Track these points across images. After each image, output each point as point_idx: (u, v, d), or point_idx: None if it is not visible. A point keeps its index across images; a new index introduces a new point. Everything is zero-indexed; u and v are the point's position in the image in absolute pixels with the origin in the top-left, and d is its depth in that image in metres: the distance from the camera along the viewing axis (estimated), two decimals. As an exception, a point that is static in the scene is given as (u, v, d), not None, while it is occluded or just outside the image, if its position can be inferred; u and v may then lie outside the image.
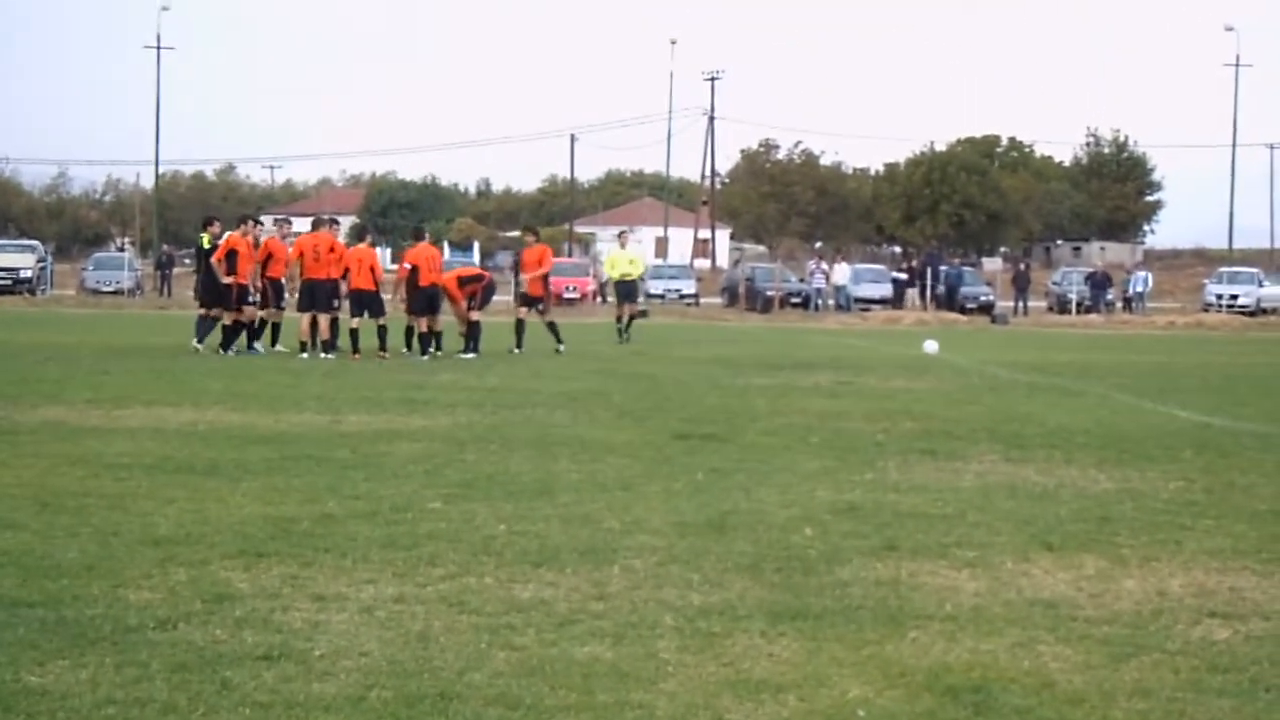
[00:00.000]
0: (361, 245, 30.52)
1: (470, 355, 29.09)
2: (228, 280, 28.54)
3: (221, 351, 28.33)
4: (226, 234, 30.05)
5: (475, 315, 30.16)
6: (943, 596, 8.84)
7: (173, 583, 8.71)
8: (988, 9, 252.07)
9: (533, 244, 33.37)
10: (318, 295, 28.74)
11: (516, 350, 30.72)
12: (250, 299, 28.90)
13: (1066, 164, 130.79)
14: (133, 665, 7.02)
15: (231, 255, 28.75)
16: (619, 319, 38.03)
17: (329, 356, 28.15)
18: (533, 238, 33.92)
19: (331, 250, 29.06)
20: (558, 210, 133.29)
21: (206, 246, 30.11)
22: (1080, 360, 33.06)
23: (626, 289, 38.16)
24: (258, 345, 29.09)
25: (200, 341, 28.63)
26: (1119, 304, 70.36)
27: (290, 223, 33.84)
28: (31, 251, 71.94)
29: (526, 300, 32.83)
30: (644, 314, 58.90)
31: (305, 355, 28.12)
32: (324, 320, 28.97)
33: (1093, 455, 15.36)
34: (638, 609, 8.36)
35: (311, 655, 7.27)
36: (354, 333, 28.68)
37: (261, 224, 32.11)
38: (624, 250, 38.22)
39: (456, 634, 7.74)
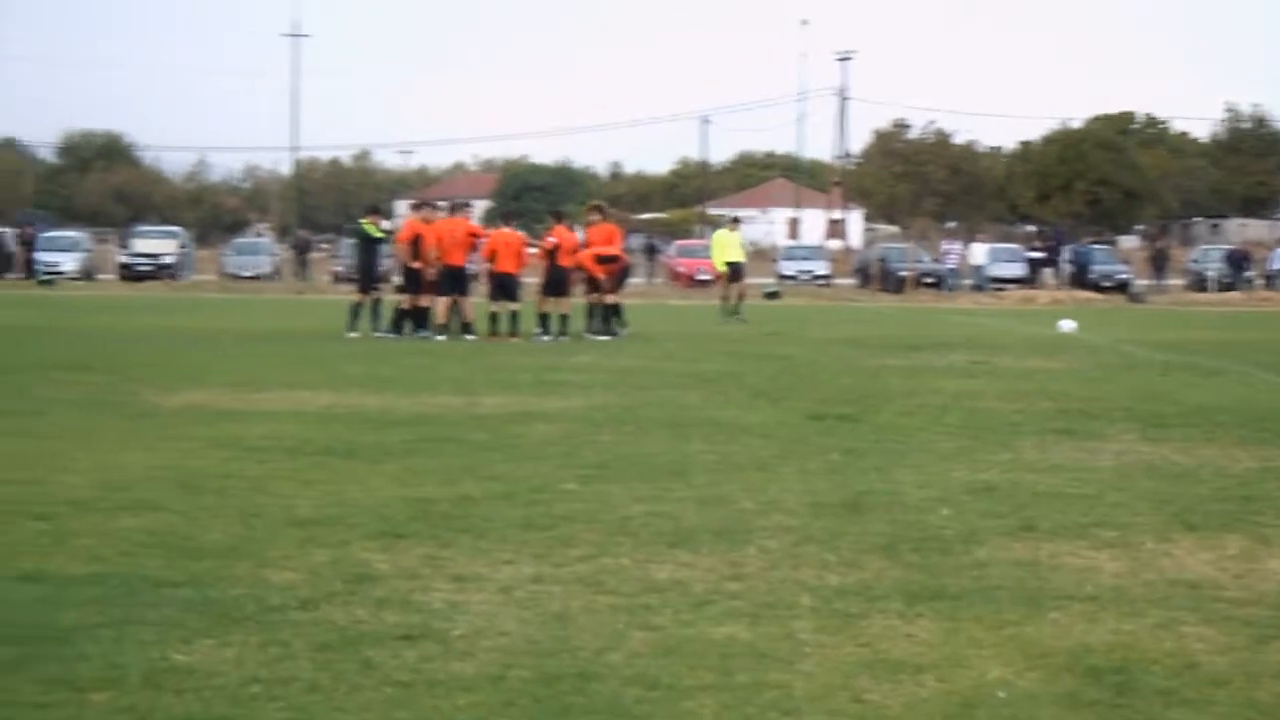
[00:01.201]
0: (505, 229, 30.57)
1: (605, 337, 29.17)
2: (415, 265, 28.84)
3: (391, 334, 28.62)
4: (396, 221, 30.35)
5: (611, 298, 30.25)
6: (1082, 577, 8.77)
7: (314, 563, 8.82)
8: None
9: (598, 222, 31.83)
10: (457, 279, 28.96)
11: (614, 333, 30.17)
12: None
13: (1204, 140, 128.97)
14: (276, 644, 7.12)
15: (414, 241, 29.05)
16: (726, 299, 38.88)
17: (468, 339, 28.37)
18: (598, 215, 32.29)
19: (471, 235, 29.31)
20: (690, 192, 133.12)
21: (373, 234, 30.36)
22: (1219, 338, 32.61)
23: (735, 270, 38.94)
24: (427, 330, 29.12)
25: (376, 331, 29.02)
26: (1259, 281, 69.28)
27: (436, 208, 33.97)
28: (173, 238, 72.85)
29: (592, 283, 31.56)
30: (776, 295, 58.97)
31: (442, 338, 28.36)
32: (465, 303, 29.17)
33: (1233, 434, 15.17)
34: (774, 589, 8.36)
35: (451, 635, 7.34)
36: (494, 316, 28.89)
37: (438, 209, 32.10)
38: (732, 234, 39.57)
39: (594, 614, 7.79)
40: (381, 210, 32.26)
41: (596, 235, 31.45)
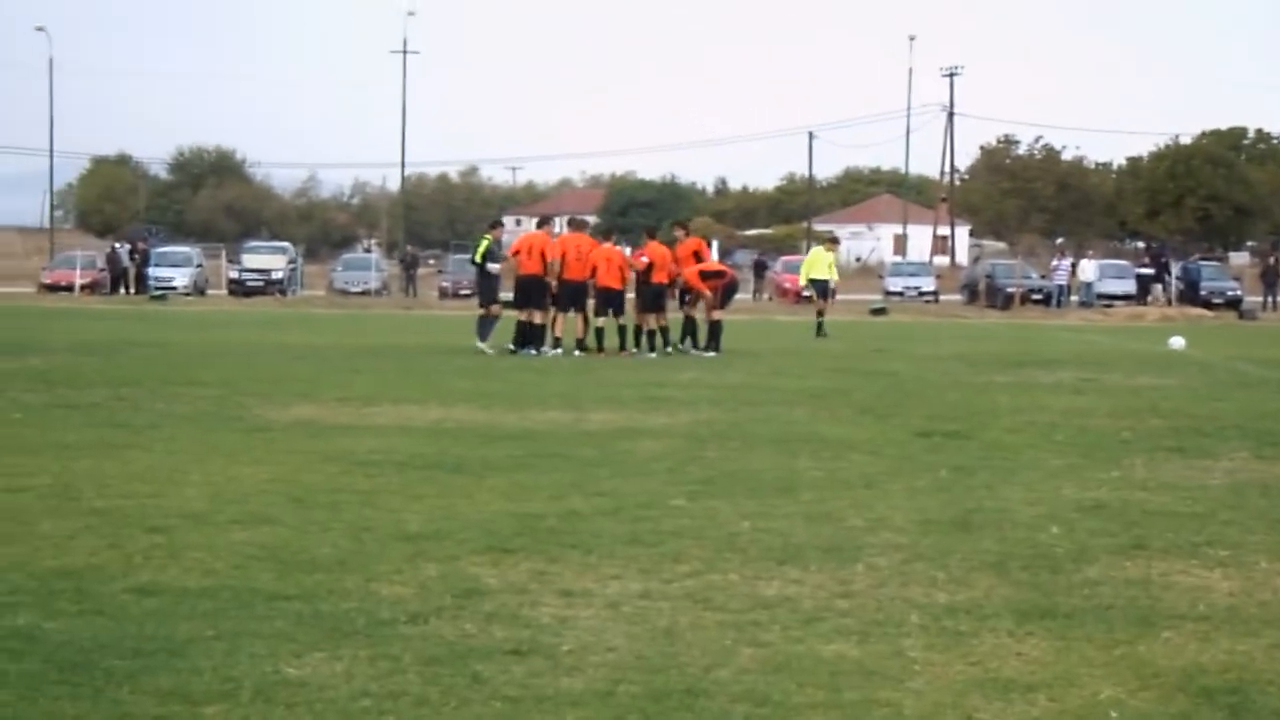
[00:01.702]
0: (607, 245, 30.56)
1: (711, 354, 29.18)
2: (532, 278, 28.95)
3: (526, 351, 28.72)
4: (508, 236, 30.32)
5: (717, 314, 30.25)
6: (1195, 596, 8.68)
7: (423, 578, 8.87)
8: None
9: (683, 239, 31.51)
10: (575, 294, 28.99)
11: (709, 352, 29.94)
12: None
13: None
14: (386, 658, 7.17)
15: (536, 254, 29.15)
16: (820, 313, 39.35)
17: (578, 354, 28.45)
18: (682, 232, 32.12)
19: (590, 250, 29.32)
20: (795, 208, 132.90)
21: (489, 248, 30.37)
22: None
23: (822, 288, 39.58)
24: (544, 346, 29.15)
25: (484, 340, 29.11)
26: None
27: (553, 223, 33.98)
28: (283, 253, 73.63)
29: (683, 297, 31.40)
30: (882, 311, 58.78)
31: (556, 352, 28.47)
32: (579, 319, 29.24)
33: (1349, 453, 14.98)
34: (883, 607, 8.33)
35: (559, 650, 7.36)
36: (600, 331, 28.97)
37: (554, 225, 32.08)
38: (827, 253, 40.08)
39: (702, 630, 7.78)
40: (503, 224, 32.15)
41: (683, 252, 31.27)
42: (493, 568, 9.17)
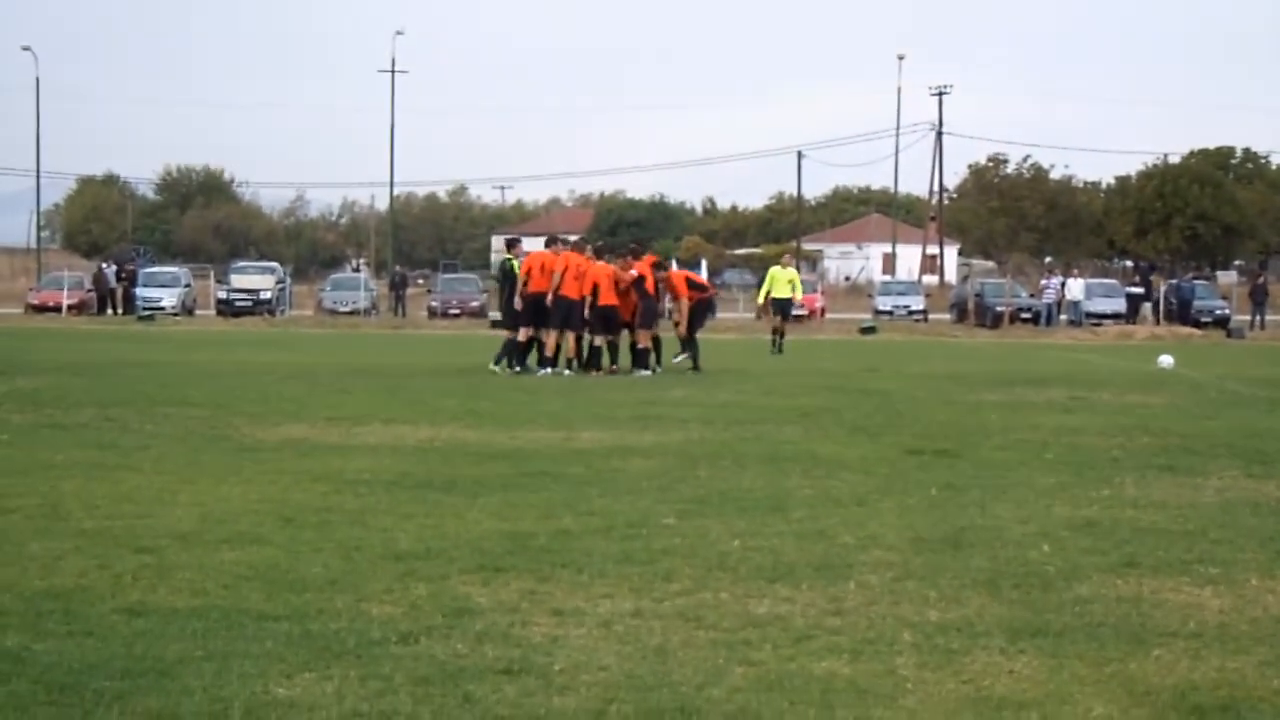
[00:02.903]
0: (600, 263, 30.48)
1: (647, 373, 28.91)
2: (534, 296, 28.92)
3: (556, 370, 28.70)
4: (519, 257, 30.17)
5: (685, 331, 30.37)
6: (1186, 614, 8.68)
7: (414, 597, 8.84)
8: (1219, 18, 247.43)
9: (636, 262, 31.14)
10: (569, 312, 28.85)
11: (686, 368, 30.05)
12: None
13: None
14: (377, 678, 7.14)
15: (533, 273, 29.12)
16: (775, 331, 40.22)
17: (568, 373, 28.44)
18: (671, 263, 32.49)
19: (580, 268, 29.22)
20: (784, 227, 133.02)
21: (516, 270, 30.21)
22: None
23: (781, 305, 40.26)
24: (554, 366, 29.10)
25: (497, 363, 29.06)
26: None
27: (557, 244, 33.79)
28: (271, 273, 73.64)
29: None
30: (872, 330, 58.83)
31: (549, 371, 28.43)
32: (571, 338, 29.20)
33: (1339, 471, 14.99)
34: (875, 625, 8.32)
35: (551, 669, 7.34)
36: (595, 349, 28.94)
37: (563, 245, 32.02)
38: (784, 270, 40.74)
39: (694, 649, 7.77)
40: (520, 244, 31.94)
41: (677, 279, 31.55)
42: (483, 587, 9.15)
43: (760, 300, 41.65)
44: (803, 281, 60.52)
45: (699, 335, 30.97)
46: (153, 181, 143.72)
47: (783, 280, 40.12)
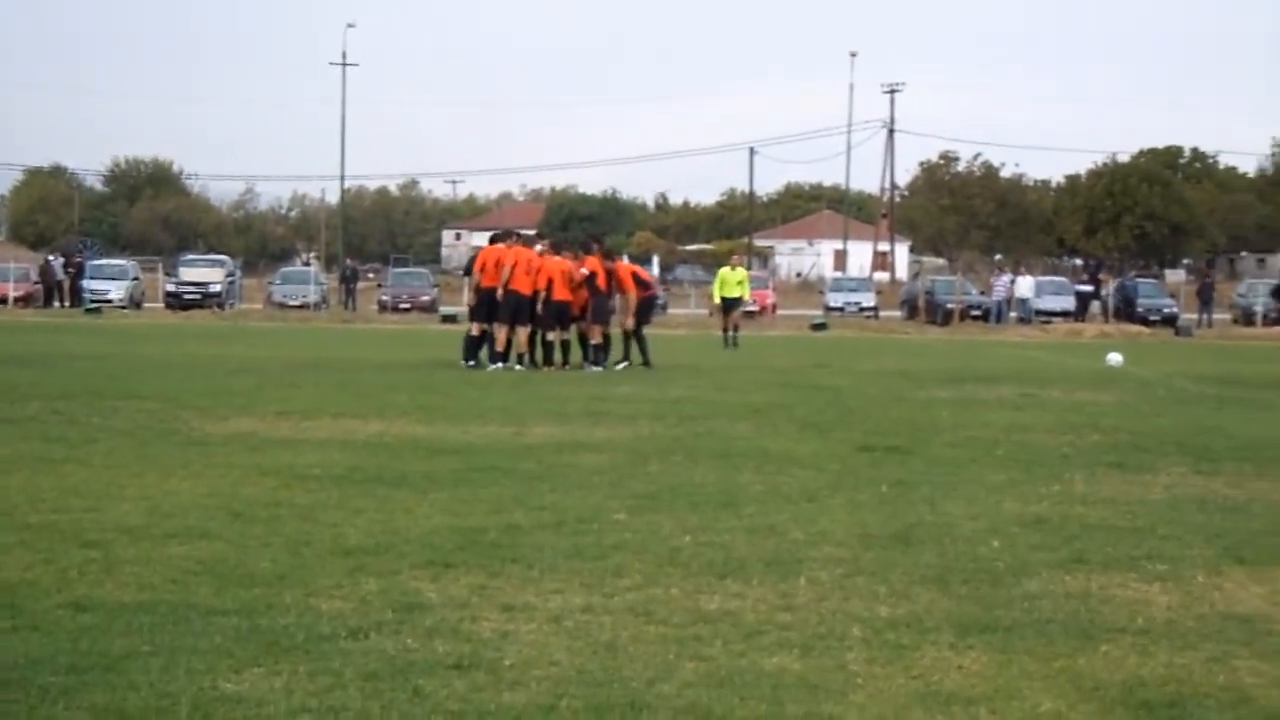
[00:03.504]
0: (554, 258, 30.39)
1: (598, 368, 28.90)
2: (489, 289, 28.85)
3: (508, 365, 28.59)
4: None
5: (633, 325, 30.32)
6: (1134, 610, 8.71)
7: (363, 592, 8.81)
8: (1169, 18, 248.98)
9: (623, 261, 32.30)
10: (519, 307, 28.73)
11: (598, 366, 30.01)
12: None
13: (1251, 175, 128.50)
14: (326, 673, 7.11)
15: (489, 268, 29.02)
16: (725, 329, 41.69)
17: (519, 368, 28.36)
18: (622, 257, 32.97)
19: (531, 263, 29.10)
20: (736, 224, 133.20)
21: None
22: (1268, 373, 32.38)
23: (730, 304, 41.80)
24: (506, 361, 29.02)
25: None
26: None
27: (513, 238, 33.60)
28: (220, 266, 73.30)
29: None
30: (823, 326, 58.96)
31: (500, 366, 28.34)
32: (523, 333, 29.10)
33: (1286, 468, 15.07)
34: (825, 620, 8.32)
35: (501, 664, 7.32)
36: (548, 345, 28.87)
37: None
38: (734, 271, 42.21)
39: (645, 644, 7.76)
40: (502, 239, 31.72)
41: (625, 273, 31.52)
42: (433, 582, 9.12)
43: (716, 301, 42.71)
44: (755, 278, 60.91)
45: (647, 330, 30.90)
46: (100, 173, 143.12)
47: (732, 281, 41.45)
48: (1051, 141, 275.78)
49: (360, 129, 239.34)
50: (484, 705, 6.68)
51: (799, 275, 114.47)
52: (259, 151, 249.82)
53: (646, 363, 29.84)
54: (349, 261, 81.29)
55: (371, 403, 20.76)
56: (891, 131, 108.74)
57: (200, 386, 23.11)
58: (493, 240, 30.54)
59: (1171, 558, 10.27)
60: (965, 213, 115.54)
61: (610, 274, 30.04)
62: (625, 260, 34.82)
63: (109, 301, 65.75)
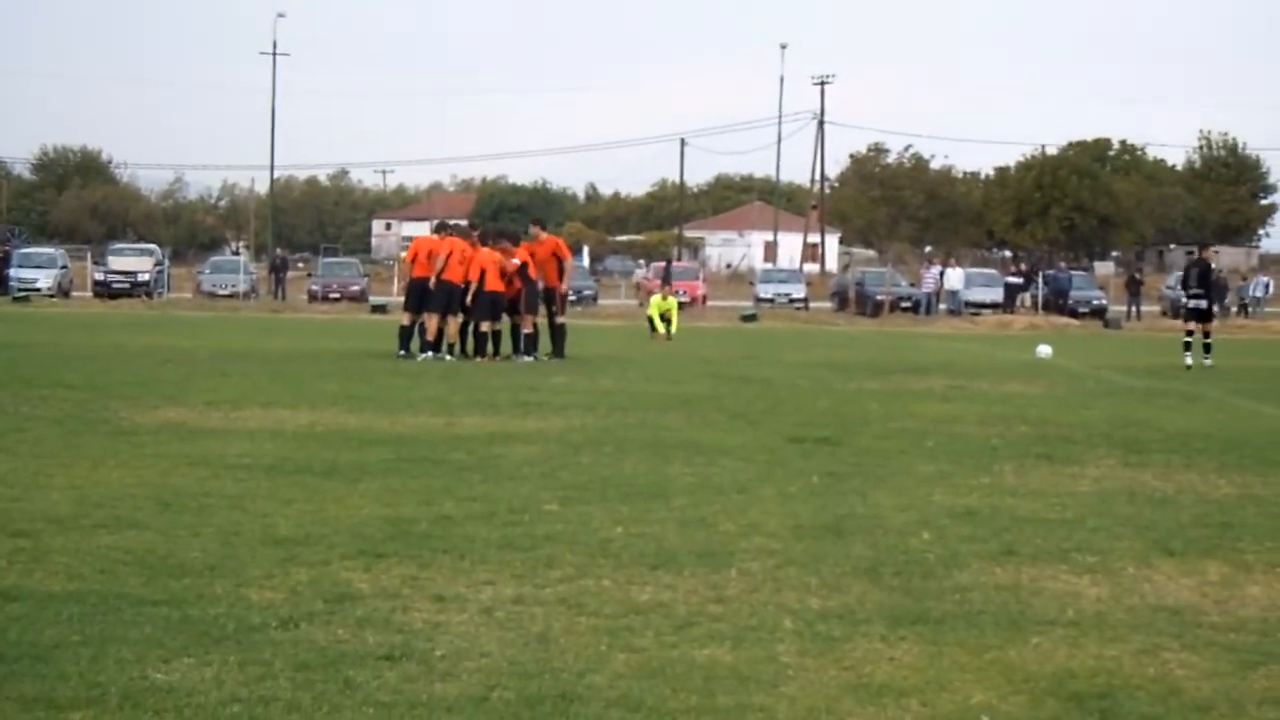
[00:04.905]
0: (486, 249, 30.30)
1: (530, 359, 28.89)
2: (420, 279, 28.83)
3: (439, 355, 28.53)
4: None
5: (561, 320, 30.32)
6: (1064, 602, 8.76)
7: (294, 582, 8.78)
8: (1098, 10, 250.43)
9: (541, 237, 31.21)
10: (450, 297, 28.70)
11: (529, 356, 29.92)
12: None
13: (1179, 167, 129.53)
14: (256, 664, 7.08)
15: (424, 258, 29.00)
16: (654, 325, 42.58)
17: (450, 358, 28.29)
18: (539, 230, 31.72)
19: (465, 253, 29.04)
20: (667, 214, 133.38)
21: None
22: (1196, 365, 32.63)
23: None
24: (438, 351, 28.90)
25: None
26: (1234, 309, 69.50)
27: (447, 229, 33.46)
28: (149, 255, 72.81)
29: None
30: (753, 318, 59.07)
31: (430, 355, 28.26)
32: (453, 323, 29.03)
33: (1212, 460, 15.19)
34: (756, 612, 8.34)
35: (433, 655, 7.30)
36: (483, 335, 28.78)
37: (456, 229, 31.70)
38: (665, 301, 43.03)
39: (576, 635, 7.76)
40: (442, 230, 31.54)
41: (543, 251, 31.27)
42: (364, 572, 9.10)
43: (648, 321, 43.04)
44: (685, 268, 61.20)
45: (566, 320, 30.78)
46: (29, 161, 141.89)
47: (663, 308, 42.40)
48: (981, 134, 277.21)
49: (291, 119, 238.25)
50: (415, 696, 6.67)
51: (729, 266, 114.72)
52: (189, 141, 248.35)
53: (558, 352, 29.70)
54: (279, 251, 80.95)
55: (302, 392, 20.68)
56: (822, 123, 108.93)
57: (129, 376, 22.96)
58: (435, 231, 30.52)
59: (1101, 550, 10.33)
60: (895, 204, 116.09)
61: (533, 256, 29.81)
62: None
63: (37, 290, 65.20)
